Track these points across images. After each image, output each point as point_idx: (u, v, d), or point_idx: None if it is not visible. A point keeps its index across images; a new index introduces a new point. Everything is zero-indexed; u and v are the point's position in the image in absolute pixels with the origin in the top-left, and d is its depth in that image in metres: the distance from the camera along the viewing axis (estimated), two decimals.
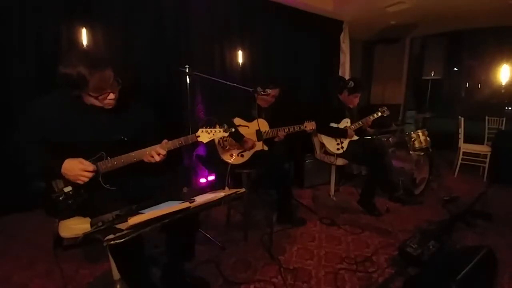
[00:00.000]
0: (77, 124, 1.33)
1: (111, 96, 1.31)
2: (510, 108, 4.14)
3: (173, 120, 2.67)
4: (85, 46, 2.33)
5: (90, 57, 1.23)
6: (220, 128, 1.54)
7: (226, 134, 1.58)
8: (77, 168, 1.26)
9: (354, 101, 2.87)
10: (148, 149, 1.41)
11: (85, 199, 1.36)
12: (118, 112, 1.40)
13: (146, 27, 2.66)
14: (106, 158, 1.37)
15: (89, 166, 1.29)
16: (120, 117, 1.42)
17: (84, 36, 2.32)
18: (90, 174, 1.28)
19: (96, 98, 1.27)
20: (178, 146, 1.47)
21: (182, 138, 1.49)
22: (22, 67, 2.21)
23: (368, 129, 2.97)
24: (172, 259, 1.57)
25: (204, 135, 1.52)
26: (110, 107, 1.35)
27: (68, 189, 1.34)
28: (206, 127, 1.53)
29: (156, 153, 1.40)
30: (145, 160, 1.41)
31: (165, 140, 1.45)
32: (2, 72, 2.17)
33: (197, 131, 1.53)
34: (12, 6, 2.12)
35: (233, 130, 1.61)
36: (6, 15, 2.11)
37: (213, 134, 1.53)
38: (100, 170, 1.35)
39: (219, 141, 2.29)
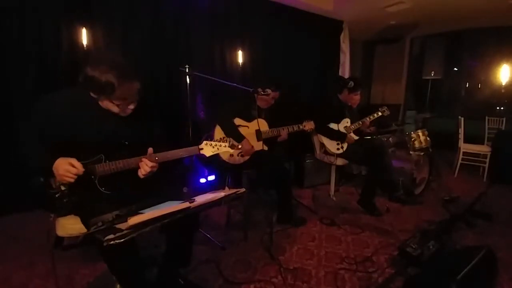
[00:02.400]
0: (82, 124, 1.32)
1: (131, 106, 1.32)
2: (502, 108, 4.12)
3: (173, 120, 2.67)
4: (85, 46, 2.33)
5: (121, 67, 1.22)
6: (225, 142, 1.50)
7: (231, 151, 1.54)
8: (62, 168, 1.23)
9: (355, 99, 2.87)
10: (137, 158, 1.36)
11: (80, 200, 1.34)
12: (126, 118, 1.37)
13: (146, 27, 2.66)
14: (105, 161, 1.35)
15: (74, 168, 1.24)
16: (127, 123, 1.39)
17: (84, 36, 2.32)
18: (73, 176, 1.24)
19: (117, 105, 1.27)
20: (179, 157, 1.45)
21: (183, 150, 1.45)
22: (22, 67, 2.21)
23: (370, 128, 2.96)
24: (169, 260, 1.56)
25: (208, 148, 1.49)
26: (125, 115, 1.34)
27: (64, 187, 1.33)
28: (210, 140, 1.49)
29: (144, 164, 1.35)
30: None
31: (150, 149, 1.37)
32: (2, 72, 2.17)
33: (200, 143, 1.49)
34: (12, 6, 2.12)
35: (240, 146, 1.56)
36: (6, 15, 2.12)
37: (217, 149, 1.49)
38: (97, 173, 1.33)
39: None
